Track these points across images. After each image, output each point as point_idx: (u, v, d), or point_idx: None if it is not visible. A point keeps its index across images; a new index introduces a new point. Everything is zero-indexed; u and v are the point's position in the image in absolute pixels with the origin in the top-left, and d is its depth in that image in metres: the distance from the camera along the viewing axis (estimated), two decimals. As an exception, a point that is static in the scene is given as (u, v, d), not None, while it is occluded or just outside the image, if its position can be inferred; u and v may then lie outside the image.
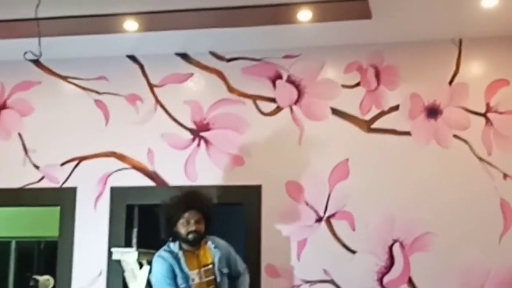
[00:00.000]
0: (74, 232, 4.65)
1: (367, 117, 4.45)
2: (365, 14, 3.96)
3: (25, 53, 3.55)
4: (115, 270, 4.52)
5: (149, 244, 4.43)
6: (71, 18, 4.06)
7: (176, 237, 3.89)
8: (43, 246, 7.62)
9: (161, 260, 3.85)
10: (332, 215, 4.37)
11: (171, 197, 3.97)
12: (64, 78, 4.84)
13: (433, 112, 4.39)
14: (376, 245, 4.28)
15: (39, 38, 3.48)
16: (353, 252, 4.31)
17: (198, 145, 4.61)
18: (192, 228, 3.83)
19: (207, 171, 4.56)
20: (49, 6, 3.62)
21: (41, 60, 4.49)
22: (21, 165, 4.78)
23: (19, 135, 4.83)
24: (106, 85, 4.78)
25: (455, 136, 4.35)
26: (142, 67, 4.76)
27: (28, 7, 3.70)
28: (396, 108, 4.43)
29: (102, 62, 4.78)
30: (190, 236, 3.83)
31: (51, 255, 7.29)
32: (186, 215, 3.85)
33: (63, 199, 4.72)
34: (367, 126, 4.44)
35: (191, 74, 4.71)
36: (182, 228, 3.85)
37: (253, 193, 4.48)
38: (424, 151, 4.35)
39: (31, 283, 4.17)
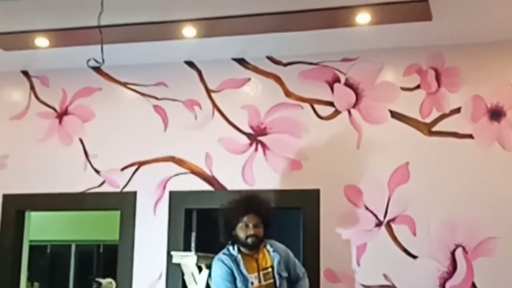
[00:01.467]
0: (134, 236, 4.71)
1: (428, 120, 4.37)
2: (425, 15, 3.89)
3: (88, 60, 3.60)
4: (174, 273, 4.57)
5: (207, 248, 4.47)
6: (131, 26, 4.11)
7: (235, 240, 3.90)
8: (102, 249, 7.79)
9: (220, 263, 3.87)
10: (392, 220, 4.31)
11: (230, 201, 3.99)
12: (124, 84, 4.93)
13: (496, 114, 4.29)
14: (438, 250, 4.21)
15: (101, 45, 3.54)
16: (414, 257, 4.25)
17: (256, 149, 4.62)
18: (251, 232, 3.84)
19: (264, 176, 4.56)
20: (110, 14, 3.67)
21: (102, 66, 4.57)
22: (82, 170, 4.88)
23: (80, 140, 4.93)
24: (164, 90, 4.84)
25: (519, 138, 4.25)
26: (200, 73, 4.80)
27: (90, 15, 3.80)
28: (457, 110, 4.35)
29: (160, 68, 4.84)
30: (249, 240, 3.84)
31: (109, 258, 7.46)
32: (245, 219, 3.85)
33: (123, 203, 4.79)
34: (427, 129, 4.36)
35: (248, 79, 4.72)
36: (241, 232, 3.86)
37: (311, 197, 4.47)
38: (486, 154, 4.26)
39: (94, 286, 4.24)
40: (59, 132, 4.97)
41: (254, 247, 3.87)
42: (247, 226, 3.85)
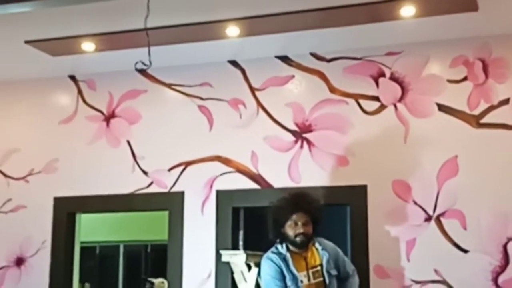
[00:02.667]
0: (183, 235, 4.76)
1: (476, 112, 4.31)
2: (471, 6, 3.83)
3: (136, 63, 3.64)
4: (223, 272, 4.60)
5: (255, 246, 4.48)
6: (176, 27, 4.16)
7: (284, 238, 3.91)
8: (149, 249, 7.88)
9: (269, 261, 3.88)
10: (442, 214, 4.26)
11: (279, 198, 3.99)
12: (169, 85, 4.98)
13: (546, 104, 4.21)
14: (490, 244, 4.14)
15: (148, 48, 3.57)
16: (465, 251, 4.19)
17: (301, 146, 4.62)
18: (300, 230, 3.84)
19: (310, 172, 4.56)
20: (155, 17, 3.71)
21: (147, 69, 4.62)
22: (130, 172, 4.95)
23: (128, 142, 5.00)
24: (209, 90, 4.87)
25: None
26: (243, 72, 4.83)
27: (134, 19, 3.85)
28: (506, 101, 4.27)
29: (204, 68, 4.88)
30: (298, 239, 3.84)
31: (157, 258, 7.55)
32: (294, 217, 3.85)
33: (171, 203, 4.85)
34: (476, 121, 4.30)
35: (292, 76, 4.72)
36: (290, 230, 3.86)
37: (359, 193, 4.44)
38: (537, 145, 4.18)
39: (147, 286, 4.29)
40: (106, 134, 5.06)
41: (302, 246, 3.87)
42: (296, 224, 3.85)
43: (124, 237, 7.95)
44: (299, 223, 3.84)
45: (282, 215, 3.90)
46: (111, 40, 4.39)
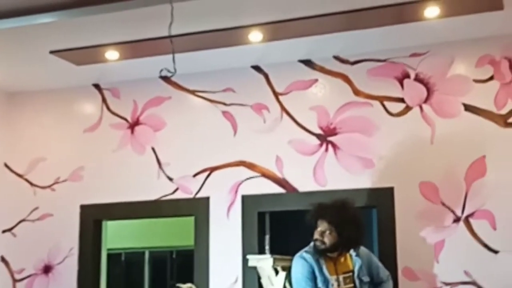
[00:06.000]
0: (209, 241, 4.77)
1: (503, 111, 4.26)
2: (496, 4, 3.80)
3: (161, 70, 3.66)
4: (250, 276, 4.61)
5: (281, 250, 4.47)
6: (199, 34, 4.17)
7: None
8: (175, 255, 7.90)
9: (302, 260, 3.88)
10: (471, 215, 4.22)
11: (313, 204, 4.00)
12: (192, 92, 4.99)
13: None
14: (520, 244, 4.11)
15: (173, 55, 3.59)
16: (495, 252, 4.15)
17: (326, 150, 4.60)
18: (317, 236, 3.86)
19: (336, 176, 4.55)
20: (179, 24, 3.72)
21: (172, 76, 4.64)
22: (156, 178, 4.97)
23: (153, 149, 5.02)
24: (232, 96, 4.88)
25: None
26: (266, 76, 4.82)
27: (157, 26, 3.87)
28: (534, 100, 4.24)
29: (228, 74, 4.89)
30: (316, 243, 3.86)
31: (183, 263, 7.57)
32: (319, 223, 3.88)
33: (197, 209, 4.86)
34: (503, 120, 4.25)
35: (316, 80, 4.71)
36: (314, 234, 3.89)
37: (386, 195, 4.42)
38: None
39: (175, 291, 4.31)
40: (131, 142, 5.08)
41: (320, 252, 3.85)
42: (318, 230, 3.87)
43: (149, 244, 7.98)
44: (319, 230, 3.86)
45: (311, 218, 3.93)
46: (135, 48, 4.41)
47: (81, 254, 5.07)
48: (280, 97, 4.77)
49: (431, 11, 3.91)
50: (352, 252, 3.91)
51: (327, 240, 3.83)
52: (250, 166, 4.76)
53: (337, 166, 4.56)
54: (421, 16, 3.97)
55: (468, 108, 4.34)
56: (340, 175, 4.54)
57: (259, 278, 4.53)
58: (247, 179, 4.75)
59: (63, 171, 5.21)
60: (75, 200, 5.13)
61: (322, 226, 3.85)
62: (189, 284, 4.31)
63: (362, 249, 3.99)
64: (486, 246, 4.18)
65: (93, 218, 5.12)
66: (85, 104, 5.29)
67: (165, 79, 4.97)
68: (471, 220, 4.22)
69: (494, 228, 4.17)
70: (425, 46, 4.45)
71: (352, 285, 3.84)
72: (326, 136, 4.62)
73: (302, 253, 3.91)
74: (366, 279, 3.88)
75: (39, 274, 5.15)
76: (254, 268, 4.51)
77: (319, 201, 4.00)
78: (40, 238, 5.17)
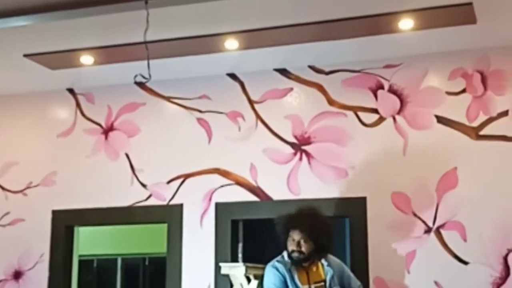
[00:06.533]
0: (182, 248, 4.75)
1: (475, 124, 4.32)
2: (470, 19, 3.85)
3: (135, 76, 3.65)
4: (223, 284, 4.59)
5: (254, 259, 4.47)
6: (175, 41, 4.17)
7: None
8: (147, 262, 7.85)
9: (274, 270, 3.86)
10: (442, 226, 4.26)
11: (280, 215, 3.97)
12: (168, 98, 4.98)
13: (545, 116, 4.22)
14: (490, 255, 4.14)
15: (148, 61, 3.58)
16: (466, 263, 4.19)
17: (300, 159, 4.62)
18: (294, 247, 3.83)
19: (310, 185, 4.56)
20: (155, 30, 3.72)
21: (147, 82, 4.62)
22: (129, 184, 4.94)
23: (127, 155, 5.00)
24: (208, 103, 4.88)
25: None
26: (242, 84, 4.83)
27: (132, 32, 3.86)
28: (505, 113, 4.28)
29: (203, 81, 4.89)
30: (293, 255, 3.83)
31: (156, 271, 7.53)
32: (291, 233, 3.86)
33: (170, 216, 4.83)
34: (475, 133, 4.31)
35: (291, 89, 4.73)
36: (289, 245, 3.87)
37: (358, 205, 4.44)
38: (537, 156, 4.19)
39: (146, 299, 4.29)
40: (105, 147, 5.05)
41: (298, 263, 3.84)
42: (293, 240, 3.84)
43: (122, 250, 7.93)
44: (295, 240, 3.83)
45: (281, 231, 3.90)
46: (110, 53, 4.39)
47: (52, 260, 5.02)
48: (255, 105, 4.78)
49: (405, 24, 3.95)
50: (324, 261, 3.91)
51: (304, 249, 3.82)
52: (224, 173, 4.75)
53: (310, 175, 4.57)
54: (396, 28, 4.01)
55: (440, 120, 4.39)
56: (314, 184, 4.55)
57: (231, 286, 4.52)
58: (221, 186, 4.75)
59: (36, 175, 5.15)
60: (47, 205, 5.08)
61: (295, 235, 3.83)
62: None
63: (334, 259, 3.99)
64: (456, 257, 4.22)
65: (65, 224, 5.07)
66: (59, 109, 5.25)
67: (140, 85, 4.96)
68: (442, 231, 4.26)
69: (465, 240, 4.21)
70: (399, 58, 4.49)
71: (322, 294, 3.84)
72: (300, 145, 4.63)
73: (274, 262, 3.90)
74: (337, 289, 3.89)
75: (9, 279, 5.08)
76: (227, 276, 4.50)
77: (287, 210, 3.97)
78: (11, 243, 5.11)
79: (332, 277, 3.87)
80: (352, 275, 4.04)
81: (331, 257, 3.98)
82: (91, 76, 4.92)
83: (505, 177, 4.21)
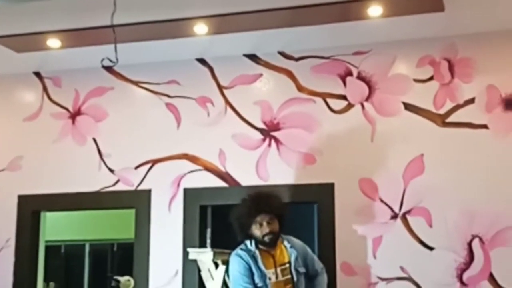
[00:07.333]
0: (150, 233, 4.73)
1: (442, 111, 4.36)
2: (438, 6, 3.88)
3: (102, 59, 3.62)
4: (190, 270, 4.60)
5: (222, 244, 4.48)
6: (143, 24, 4.13)
7: (252, 238, 3.91)
8: (116, 248, 7.82)
9: (238, 258, 3.88)
10: (408, 212, 4.31)
11: (240, 203, 3.98)
12: (136, 83, 4.94)
13: (511, 103, 4.26)
14: (455, 241, 4.21)
15: (115, 45, 3.54)
16: (431, 248, 4.25)
17: (269, 145, 4.62)
18: (266, 230, 3.85)
19: (278, 171, 4.57)
20: (122, 13, 3.67)
21: (114, 66, 4.56)
22: (97, 170, 4.90)
23: (94, 140, 4.95)
24: (177, 88, 4.85)
25: (535, 127, 4.23)
26: (211, 70, 4.81)
27: (101, 15, 3.81)
28: (471, 101, 4.33)
29: (172, 66, 4.85)
30: (266, 238, 3.85)
31: (124, 256, 7.50)
32: (258, 218, 3.87)
33: (138, 202, 4.81)
34: (441, 120, 4.35)
35: (260, 75, 4.73)
36: (256, 231, 3.87)
37: (326, 191, 4.47)
38: (502, 143, 4.24)
39: (113, 284, 4.25)
40: (72, 132, 4.99)
41: (272, 244, 3.88)
42: (261, 225, 3.86)
43: (90, 236, 7.89)
44: (264, 223, 3.85)
45: (246, 219, 3.90)
46: (77, 36, 4.33)
47: (18, 245, 4.96)
48: (225, 91, 4.77)
49: (375, 10, 3.97)
50: (286, 244, 3.94)
51: (273, 229, 3.85)
52: (193, 159, 4.74)
53: (279, 161, 4.59)
54: (365, 15, 4.03)
55: (408, 107, 4.42)
56: (282, 170, 4.57)
57: (199, 271, 4.52)
58: (190, 172, 4.73)
59: (1, 160, 5.08)
60: (13, 190, 5.01)
61: (262, 218, 3.85)
62: (126, 277, 4.28)
63: (296, 241, 4.02)
64: (422, 242, 4.27)
65: (31, 209, 5.01)
66: (25, 93, 5.17)
67: (108, 69, 4.90)
68: (408, 217, 4.31)
69: (430, 226, 4.27)
70: (368, 45, 4.51)
71: (289, 276, 3.86)
72: (269, 131, 4.64)
73: (238, 251, 3.92)
74: (302, 270, 3.92)
75: (-27, 265, 5.02)
76: (195, 261, 4.50)
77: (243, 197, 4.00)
78: (-25, 228, 5.04)
79: (296, 258, 3.91)
80: (315, 257, 4.09)
81: (293, 239, 4.01)
82: (58, 60, 4.85)
83: (470, 164, 4.27)
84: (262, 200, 3.91)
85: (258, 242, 3.89)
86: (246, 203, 3.94)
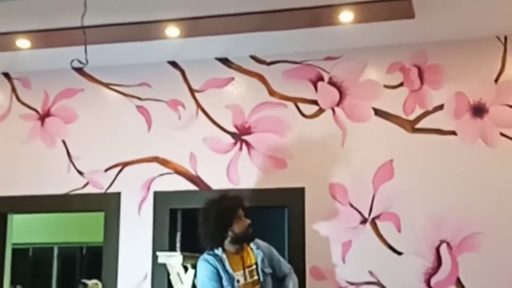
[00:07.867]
0: (119, 237, 4.69)
1: (411, 117, 4.40)
2: (408, 13, 3.91)
3: (72, 61, 3.59)
4: (160, 273, 4.57)
5: (192, 248, 4.46)
6: (114, 26, 4.10)
7: (224, 242, 3.90)
8: (85, 251, 7.76)
9: (205, 263, 3.87)
10: (377, 217, 4.34)
11: (212, 206, 3.93)
12: (106, 85, 4.90)
13: (479, 110, 4.32)
14: (423, 246, 4.24)
15: (85, 46, 3.52)
16: (399, 253, 4.28)
17: (240, 148, 4.62)
18: (248, 221, 3.89)
19: (249, 175, 4.57)
20: (93, 15, 3.65)
21: (84, 67, 4.55)
22: (66, 172, 4.85)
23: (63, 142, 4.90)
24: (148, 91, 4.82)
25: (502, 134, 4.28)
26: (183, 73, 4.79)
27: (71, 16, 3.77)
28: (440, 107, 4.38)
29: (143, 68, 4.82)
30: (251, 230, 3.89)
31: (93, 260, 7.45)
32: (239, 213, 3.89)
33: (107, 205, 4.77)
34: (411, 126, 4.39)
35: (232, 79, 4.72)
36: (239, 226, 3.87)
37: (296, 195, 4.47)
38: (470, 150, 4.29)
39: (80, 287, 4.22)
40: (41, 134, 4.93)
41: (252, 238, 3.91)
42: (241, 219, 3.88)
43: (58, 239, 7.81)
44: (245, 219, 3.89)
45: (229, 215, 3.88)
46: (47, 37, 4.28)
47: (-16, 248, 4.90)
48: (196, 94, 4.75)
49: (346, 16, 3.98)
50: (252, 245, 3.95)
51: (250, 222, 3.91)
52: (164, 162, 4.71)
53: (250, 165, 4.58)
54: (336, 21, 4.03)
55: (378, 112, 4.46)
56: (253, 174, 4.57)
57: (168, 275, 4.50)
58: (160, 175, 4.70)
59: (-32, 161, 5.01)
60: (-21, 192, 4.94)
61: (240, 212, 3.88)
62: (94, 281, 4.25)
63: (262, 242, 4.03)
64: (390, 247, 4.30)
65: (-3, 211, 4.95)
66: (-7, 93, 5.11)
67: (79, 70, 4.86)
68: (377, 222, 4.34)
69: (399, 230, 4.30)
70: (339, 50, 4.53)
71: (256, 277, 3.88)
72: (240, 135, 4.63)
73: (205, 255, 3.91)
74: (268, 270, 3.94)
75: None
76: (164, 265, 4.48)
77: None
78: None
79: (263, 259, 3.92)
80: (281, 258, 4.10)
81: (259, 241, 4.02)
82: (28, 60, 4.79)
83: (438, 170, 4.31)
84: (234, 197, 3.95)
85: (239, 239, 3.88)
86: (223, 201, 3.92)
